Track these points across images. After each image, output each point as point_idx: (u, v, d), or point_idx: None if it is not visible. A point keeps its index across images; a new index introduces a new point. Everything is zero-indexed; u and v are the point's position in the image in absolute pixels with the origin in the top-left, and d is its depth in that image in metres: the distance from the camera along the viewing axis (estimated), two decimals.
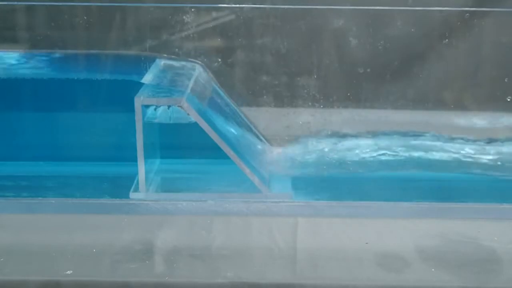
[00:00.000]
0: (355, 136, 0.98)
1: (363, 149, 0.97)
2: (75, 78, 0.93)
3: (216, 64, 0.96)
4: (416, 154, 0.97)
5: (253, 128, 0.99)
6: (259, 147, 0.97)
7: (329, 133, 0.98)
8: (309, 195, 0.88)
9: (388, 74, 0.96)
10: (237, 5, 0.93)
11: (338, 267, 0.74)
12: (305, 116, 0.98)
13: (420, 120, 0.98)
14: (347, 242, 0.79)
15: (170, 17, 0.94)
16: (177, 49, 0.95)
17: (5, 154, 0.96)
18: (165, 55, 0.95)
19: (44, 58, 0.96)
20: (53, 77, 0.93)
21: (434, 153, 0.97)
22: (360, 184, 0.92)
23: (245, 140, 0.95)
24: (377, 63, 0.95)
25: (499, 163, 0.96)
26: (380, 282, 0.72)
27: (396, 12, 0.93)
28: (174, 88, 0.88)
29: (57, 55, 0.95)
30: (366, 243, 0.79)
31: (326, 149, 0.97)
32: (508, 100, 0.96)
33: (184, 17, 0.94)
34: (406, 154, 0.96)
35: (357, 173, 0.94)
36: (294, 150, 0.98)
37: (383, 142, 0.98)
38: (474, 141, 0.97)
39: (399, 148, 0.97)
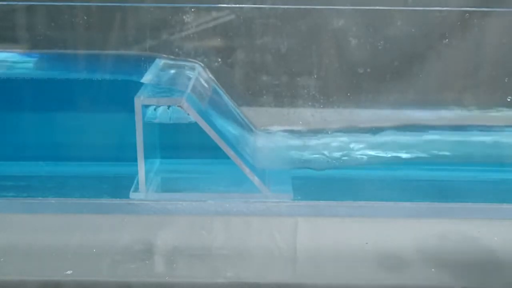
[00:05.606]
0: (355, 135, 0.98)
1: (363, 148, 0.97)
2: (75, 78, 0.93)
3: (216, 64, 0.96)
4: (416, 152, 0.97)
5: (253, 128, 0.98)
6: (258, 146, 0.97)
7: (329, 133, 0.98)
8: (309, 194, 0.88)
9: (388, 74, 0.96)
10: (237, 5, 0.93)
11: (338, 267, 0.74)
12: (305, 116, 0.98)
13: (420, 119, 0.98)
14: (347, 242, 0.79)
15: (170, 17, 0.94)
16: (177, 49, 0.95)
17: (5, 154, 0.95)
18: (165, 55, 0.95)
19: (44, 58, 0.96)
20: (53, 77, 0.93)
21: (434, 150, 0.97)
22: (360, 183, 0.92)
23: (245, 140, 0.95)
24: (377, 63, 0.95)
25: None
26: (380, 282, 0.72)
27: (396, 12, 0.93)
28: (174, 88, 0.88)
29: (57, 55, 0.95)
30: (366, 243, 0.79)
31: (326, 149, 0.97)
32: (509, 100, 0.96)
33: (184, 17, 0.94)
34: (406, 152, 0.96)
35: (357, 173, 0.94)
36: (293, 150, 0.98)
37: (383, 141, 0.98)
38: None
39: (399, 147, 0.97)
